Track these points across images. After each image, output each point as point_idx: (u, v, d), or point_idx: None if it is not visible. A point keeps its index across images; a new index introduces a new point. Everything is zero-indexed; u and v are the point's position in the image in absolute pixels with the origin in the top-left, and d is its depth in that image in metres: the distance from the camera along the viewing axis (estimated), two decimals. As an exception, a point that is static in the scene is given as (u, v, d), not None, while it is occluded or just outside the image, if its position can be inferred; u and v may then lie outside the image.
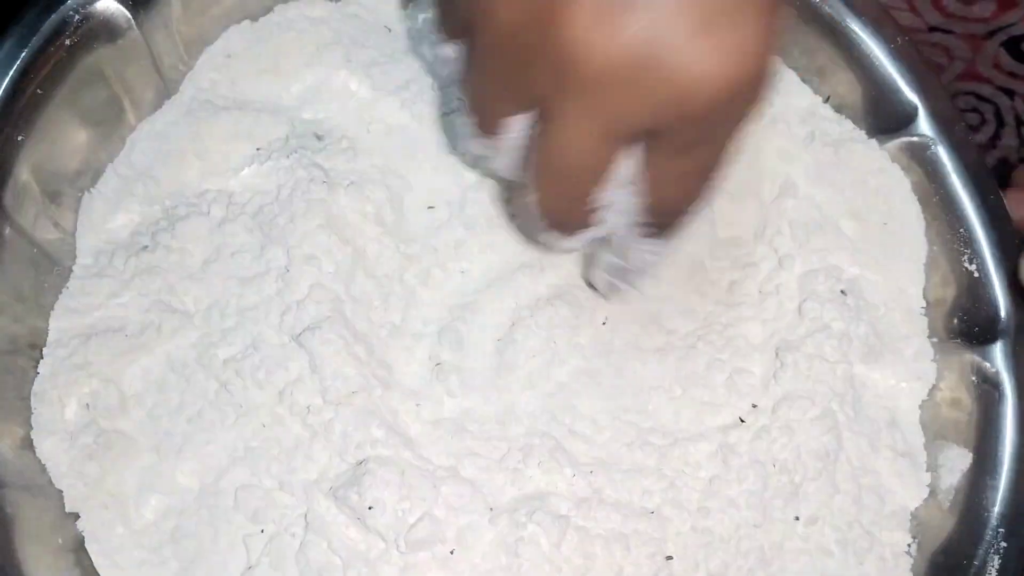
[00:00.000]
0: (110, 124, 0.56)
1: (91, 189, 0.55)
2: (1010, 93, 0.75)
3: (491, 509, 0.50)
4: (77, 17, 0.52)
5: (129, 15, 0.53)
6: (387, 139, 0.57)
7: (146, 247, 0.54)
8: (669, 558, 0.50)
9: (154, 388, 0.52)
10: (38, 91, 0.51)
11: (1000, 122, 0.76)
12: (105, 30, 0.53)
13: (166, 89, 0.58)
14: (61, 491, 0.49)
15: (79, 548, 0.49)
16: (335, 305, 0.52)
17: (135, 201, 0.55)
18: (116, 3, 0.53)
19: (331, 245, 0.53)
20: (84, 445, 0.50)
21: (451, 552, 0.49)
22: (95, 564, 0.48)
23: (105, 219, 0.55)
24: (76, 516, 0.49)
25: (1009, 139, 0.77)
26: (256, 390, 0.51)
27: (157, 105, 0.58)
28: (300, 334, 0.51)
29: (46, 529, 0.48)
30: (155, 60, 0.56)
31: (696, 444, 0.52)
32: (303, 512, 0.49)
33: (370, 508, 0.48)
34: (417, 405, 0.53)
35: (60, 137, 0.53)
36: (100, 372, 0.51)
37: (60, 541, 0.49)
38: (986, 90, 0.75)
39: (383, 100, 0.58)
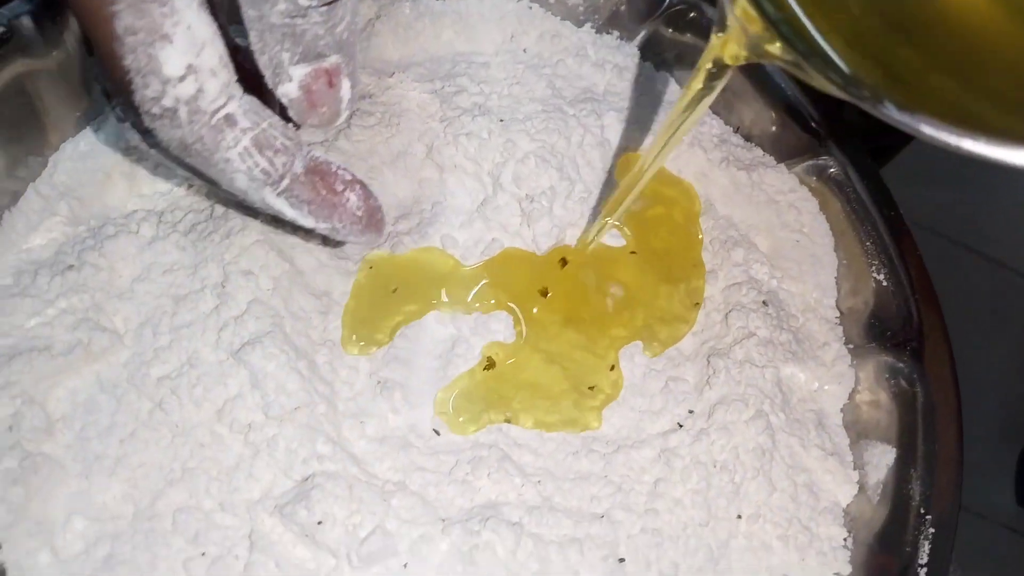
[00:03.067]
0: (30, 142, 0.54)
1: (11, 208, 0.53)
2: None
3: (443, 520, 0.49)
4: (2, 29, 0.50)
5: (61, 33, 0.52)
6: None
7: (71, 266, 0.51)
8: (622, 560, 0.50)
9: (82, 409, 0.49)
10: (-42, 101, 0.49)
11: None
12: (33, 45, 0.52)
13: (92, 109, 0.56)
14: (-20, 520, 0.46)
15: (0, 581, 0.45)
16: (275, 320, 0.51)
17: (58, 221, 0.53)
18: (48, 20, 0.52)
19: (268, 260, 0.53)
20: (7, 469, 0.46)
21: (404, 566, 0.47)
22: (18, 597, 0.45)
23: (26, 238, 0.53)
24: (-3, 546, 0.46)
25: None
26: (193, 408, 0.49)
27: (81, 126, 0.56)
28: (239, 350, 0.50)
29: (-37, 562, 0.45)
30: (86, 82, 0.55)
31: (639, 450, 0.53)
32: (247, 532, 0.47)
33: (319, 523, 0.47)
34: (361, 422, 0.52)
35: (-22, 152, 0.51)
36: (24, 393, 0.48)
37: (-21, 574, 0.45)
38: None
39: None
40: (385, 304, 0.55)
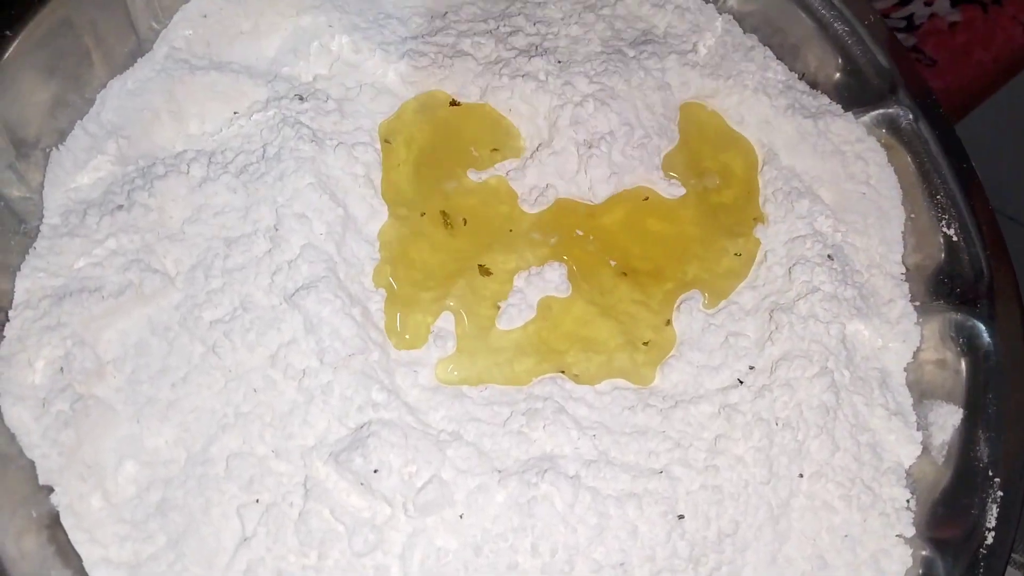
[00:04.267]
0: (79, 78, 0.52)
1: (59, 146, 0.52)
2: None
3: (499, 471, 0.48)
4: (52, -41, 0.49)
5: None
6: (373, 102, 0.56)
7: (121, 206, 0.50)
8: (681, 517, 0.49)
9: (133, 352, 0.48)
10: (6, 32, 0.48)
11: None
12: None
13: (139, 47, 0.55)
14: (33, 462, 0.45)
15: (54, 523, 0.44)
16: (328, 266, 0.50)
17: (106, 159, 0.52)
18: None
19: (322, 205, 0.51)
20: (58, 412, 0.45)
21: (460, 516, 0.46)
22: (71, 540, 0.44)
23: (73, 177, 0.51)
24: (50, 489, 0.45)
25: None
26: (246, 353, 0.48)
27: (129, 62, 0.54)
28: (293, 294, 0.49)
29: (16, 503, 0.44)
30: (130, 15, 0.53)
31: (697, 406, 0.52)
32: (301, 480, 0.46)
33: (375, 471, 0.45)
34: (415, 371, 0.50)
35: (27, 84, 0.49)
36: (74, 335, 0.47)
37: (33, 515, 0.44)
38: None
39: (368, 63, 0.57)
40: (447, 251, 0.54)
